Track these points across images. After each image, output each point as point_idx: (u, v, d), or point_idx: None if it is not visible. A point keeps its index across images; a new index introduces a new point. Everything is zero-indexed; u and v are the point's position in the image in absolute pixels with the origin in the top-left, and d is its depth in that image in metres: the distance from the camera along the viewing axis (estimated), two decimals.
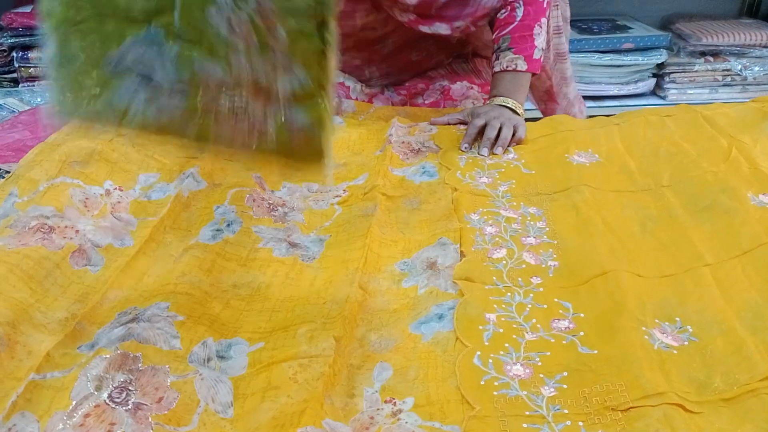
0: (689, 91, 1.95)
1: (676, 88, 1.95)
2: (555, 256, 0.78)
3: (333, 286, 0.74)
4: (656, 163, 0.95)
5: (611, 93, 1.91)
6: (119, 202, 0.86)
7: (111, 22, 0.54)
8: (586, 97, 1.58)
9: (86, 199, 0.82)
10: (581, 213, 0.84)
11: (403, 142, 1.03)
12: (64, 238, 0.74)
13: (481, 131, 1.02)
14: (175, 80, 0.52)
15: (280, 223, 0.85)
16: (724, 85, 1.98)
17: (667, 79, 1.97)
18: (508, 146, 1.01)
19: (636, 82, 1.93)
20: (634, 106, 1.83)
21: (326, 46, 0.52)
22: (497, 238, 0.81)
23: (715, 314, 0.66)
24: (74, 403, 0.55)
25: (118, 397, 0.56)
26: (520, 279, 0.74)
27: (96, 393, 0.57)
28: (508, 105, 1.06)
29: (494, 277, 0.74)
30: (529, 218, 0.84)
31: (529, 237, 0.81)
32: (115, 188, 0.87)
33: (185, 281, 0.72)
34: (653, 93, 2.00)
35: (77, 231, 0.76)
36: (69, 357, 0.60)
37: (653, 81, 1.98)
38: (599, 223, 0.82)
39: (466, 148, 1.00)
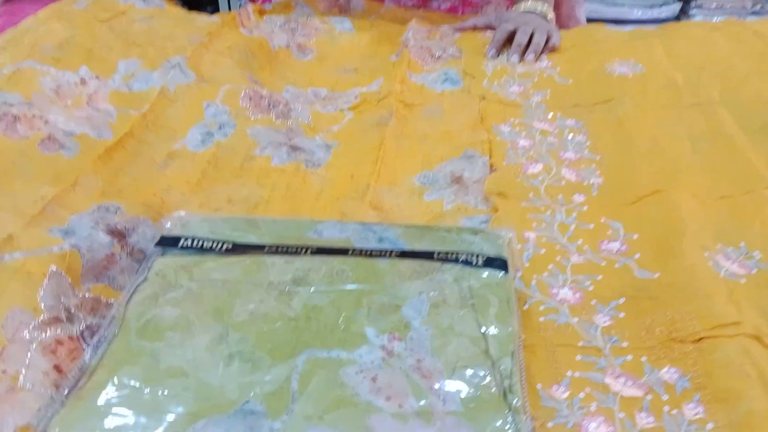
0: (715, 19, 1.82)
1: (702, 14, 1.83)
2: (598, 172, 0.68)
3: (341, 203, 0.65)
4: (704, 78, 0.85)
5: (634, 17, 1.78)
6: (96, 92, 0.74)
7: None
8: (606, 20, 1.46)
9: (58, 87, 0.71)
10: (625, 128, 0.74)
11: (421, 47, 0.91)
12: (32, 129, 0.63)
13: (510, 37, 0.91)
14: None
15: (282, 120, 0.74)
16: (753, 13, 1.86)
17: (693, 4, 1.84)
18: (542, 53, 0.90)
19: (660, 6, 1.80)
20: None
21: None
22: (532, 152, 0.71)
23: None
24: (45, 315, 0.46)
25: (89, 339, 0.47)
26: (560, 196, 0.65)
27: (67, 323, 0.48)
28: (537, 11, 0.95)
29: (531, 194, 0.65)
30: (566, 131, 0.75)
31: (567, 151, 0.72)
32: (92, 77, 0.76)
33: (171, 200, 0.62)
34: (677, 19, 1.87)
35: (47, 121, 0.65)
36: (37, 239, 0.51)
37: (678, 6, 1.85)
38: (645, 139, 0.73)
39: (493, 54, 0.90)
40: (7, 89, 0.67)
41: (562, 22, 1.21)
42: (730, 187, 0.66)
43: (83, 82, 0.73)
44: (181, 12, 0.94)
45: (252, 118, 0.74)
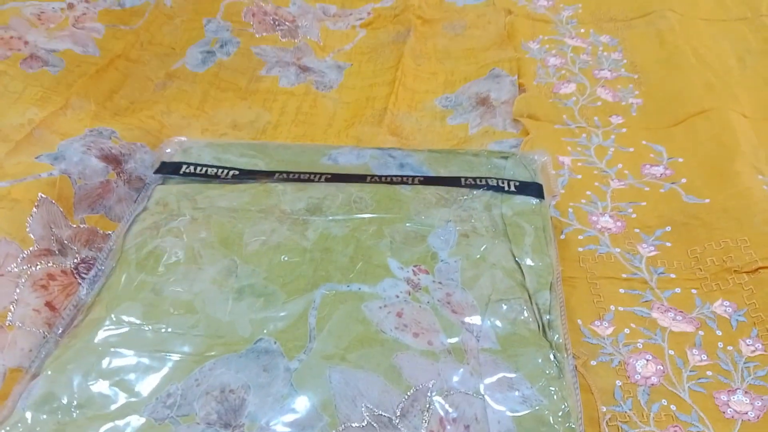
0: None
1: None
2: (637, 92, 0.62)
3: (356, 128, 0.60)
4: None
5: None
6: (84, 14, 0.68)
7: None
8: None
9: (41, 12, 0.65)
10: (667, 43, 0.68)
11: None
12: (10, 49, 0.58)
13: None
14: None
15: (289, 39, 0.68)
16: None
17: None
18: None
19: None
20: None
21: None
22: (564, 71, 0.65)
23: None
24: (35, 246, 0.42)
25: (85, 273, 0.42)
26: (596, 118, 0.59)
27: (59, 256, 0.43)
28: None
29: (564, 116, 0.60)
30: (601, 48, 0.68)
31: (603, 70, 0.65)
32: (80, 1, 0.69)
33: (171, 122, 0.57)
34: None
35: (26, 42, 0.59)
36: (23, 166, 0.46)
37: None
38: (689, 54, 0.66)
39: None
40: None
41: None
42: None
43: (70, 6, 0.67)
44: None
45: (256, 36, 0.68)
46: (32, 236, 0.43)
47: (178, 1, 0.69)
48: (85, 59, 0.60)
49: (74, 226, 0.45)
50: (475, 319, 0.39)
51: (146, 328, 0.38)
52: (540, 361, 0.37)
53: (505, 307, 0.40)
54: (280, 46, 0.67)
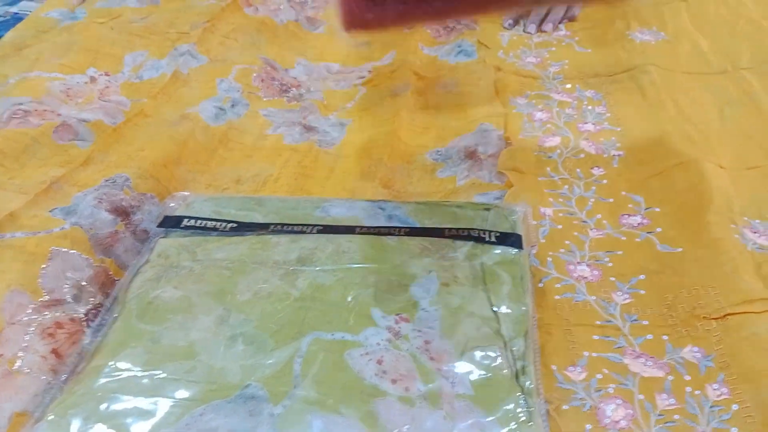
0: None
1: None
2: (619, 144, 0.65)
3: (352, 181, 0.63)
4: (732, 43, 0.81)
5: None
6: (108, 87, 0.74)
7: None
8: None
9: (68, 89, 0.70)
10: (648, 96, 0.71)
11: None
12: (44, 120, 0.63)
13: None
14: None
15: (295, 103, 0.72)
16: None
17: None
18: (560, 23, 0.86)
19: None
20: None
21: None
22: (549, 125, 0.68)
23: None
24: (46, 297, 0.45)
25: (91, 321, 0.46)
26: (578, 170, 0.62)
27: (72, 302, 0.47)
28: None
29: (548, 168, 0.63)
30: (585, 102, 0.72)
31: (587, 123, 0.68)
32: (101, 74, 0.75)
33: (179, 175, 0.61)
34: None
35: (59, 114, 0.64)
36: (38, 219, 0.50)
37: None
38: (670, 107, 0.69)
39: (509, 25, 0.86)
40: (15, 95, 0.66)
41: None
42: (757, 157, 0.63)
43: (93, 80, 0.73)
44: (177, 3, 0.92)
45: (264, 100, 0.72)
46: (43, 288, 0.46)
47: (194, 69, 0.74)
48: (114, 129, 0.65)
49: (96, 264, 0.49)
50: (451, 366, 0.41)
51: (144, 375, 0.41)
52: (511, 406, 0.39)
53: (480, 354, 0.42)
54: (287, 108, 0.72)
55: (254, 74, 0.74)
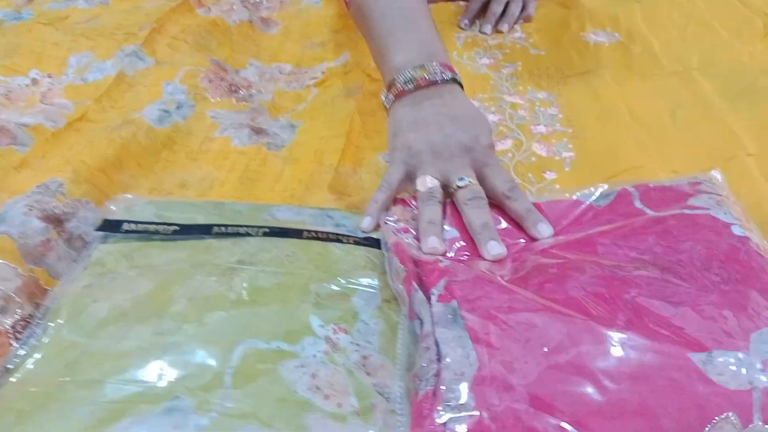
0: None
1: None
2: (570, 146, 0.65)
3: (302, 185, 0.61)
4: (684, 44, 0.81)
5: None
6: (50, 90, 0.71)
7: None
8: None
9: (9, 92, 0.68)
10: (601, 98, 0.71)
11: None
12: None
13: (485, 7, 0.87)
14: None
15: (244, 104, 0.71)
16: None
17: None
18: (515, 23, 0.86)
19: None
20: None
21: None
22: (501, 127, 0.68)
23: None
24: None
25: (19, 334, 0.44)
26: (530, 175, 0.62)
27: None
28: None
29: None
30: (538, 104, 0.71)
31: (539, 125, 0.68)
32: (44, 76, 0.73)
33: (120, 179, 0.59)
34: None
35: None
36: None
37: None
38: (623, 110, 0.69)
39: (465, 25, 0.86)
40: None
41: None
42: (710, 158, 0.63)
43: (35, 82, 0.70)
44: (127, 3, 0.89)
45: (212, 101, 0.70)
46: None
47: (140, 71, 0.72)
48: (55, 133, 0.63)
49: (24, 274, 0.47)
50: (388, 383, 0.40)
51: (72, 386, 0.39)
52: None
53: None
54: (235, 110, 0.70)
55: (201, 75, 0.72)
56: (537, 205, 0.52)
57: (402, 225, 0.52)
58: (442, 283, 0.43)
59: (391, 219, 0.53)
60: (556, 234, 0.50)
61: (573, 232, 0.50)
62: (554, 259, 0.45)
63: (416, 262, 0.46)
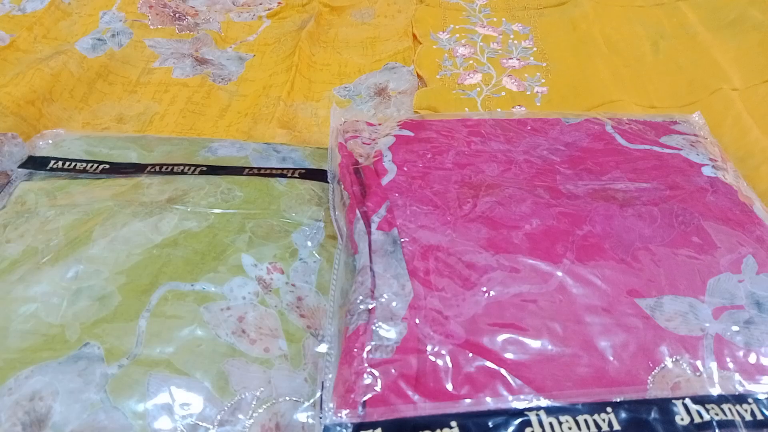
0: None
1: None
2: (543, 81, 0.61)
3: (249, 119, 0.57)
4: None
5: None
6: None
7: None
8: None
9: None
10: (579, 30, 0.66)
11: None
12: None
13: None
14: None
15: (187, 32, 0.65)
16: None
17: None
18: None
19: None
20: None
21: None
22: (471, 61, 0.63)
23: (754, 144, 0.51)
24: None
25: None
26: (498, 110, 0.57)
27: None
28: None
29: (466, 108, 0.58)
30: (512, 36, 0.66)
31: (511, 59, 0.63)
32: None
33: (51, 112, 0.54)
34: None
35: None
36: None
37: None
38: (600, 42, 0.64)
39: None
40: None
41: None
42: (693, 92, 0.59)
43: None
44: None
45: (151, 27, 0.65)
46: None
47: None
48: None
49: None
50: (323, 324, 0.37)
51: None
52: None
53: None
54: (177, 39, 0.65)
55: (140, 1, 0.67)
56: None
57: (351, 134, 0.48)
58: (383, 209, 0.39)
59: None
60: (515, 141, 0.46)
61: (537, 143, 0.46)
62: (511, 181, 0.41)
63: (360, 181, 0.42)
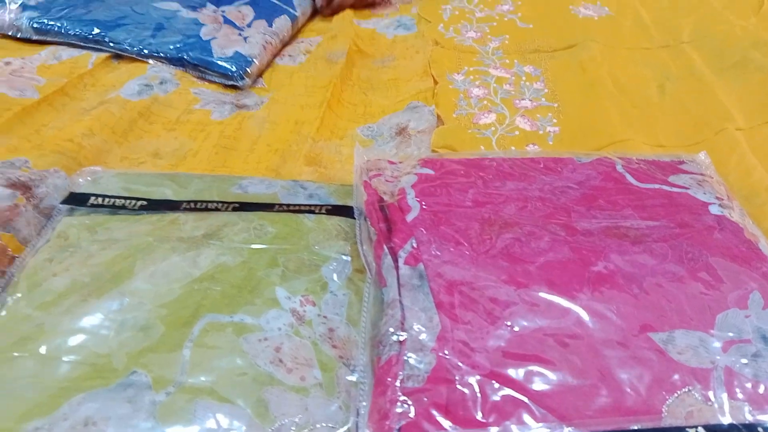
0: None
1: None
2: (555, 121, 0.63)
3: (278, 157, 0.60)
4: (675, 16, 0.79)
5: None
6: (22, 67, 0.69)
7: None
8: None
9: None
10: (588, 72, 0.69)
11: None
12: None
13: None
14: None
15: (231, 90, 0.69)
16: None
17: None
18: None
19: None
20: None
21: None
22: (485, 101, 0.66)
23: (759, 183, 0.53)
24: None
25: None
26: (513, 148, 0.60)
27: None
28: None
29: (482, 146, 0.60)
30: (524, 78, 0.69)
31: (524, 99, 0.66)
32: (17, 59, 0.71)
33: (92, 144, 0.57)
34: None
35: None
36: None
37: None
38: (609, 83, 0.68)
39: None
40: None
41: None
42: (698, 132, 0.61)
43: (7, 63, 0.68)
44: None
45: (198, 82, 0.69)
46: None
47: (126, 59, 0.71)
48: (19, 102, 0.61)
49: None
50: (353, 354, 0.39)
51: (26, 356, 0.38)
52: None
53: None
54: (222, 92, 0.68)
55: None
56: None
57: (375, 172, 0.51)
58: (409, 244, 0.42)
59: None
60: (531, 179, 0.49)
61: (550, 181, 0.48)
62: (529, 219, 0.44)
63: (386, 218, 0.45)
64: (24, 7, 0.73)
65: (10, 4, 0.74)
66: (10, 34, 0.73)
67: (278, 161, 0.59)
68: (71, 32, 0.71)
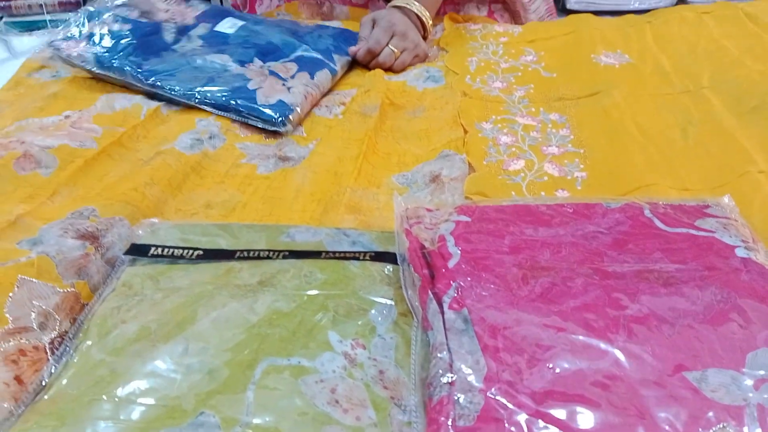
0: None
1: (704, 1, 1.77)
2: (582, 166, 0.67)
3: (320, 207, 0.64)
4: (694, 63, 0.83)
5: (632, 7, 1.73)
6: (80, 119, 0.75)
7: None
8: (602, 12, 1.40)
9: (41, 126, 0.72)
10: (612, 118, 0.73)
11: None
12: (6, 150, 0.63)
13: None
14: None
15: (272, 139, 0.74)
16: None
17: None
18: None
19: None
20: None
21: None
22: (514, 148, 0.70)
23: None
24: (11, 324, 0.45)
25: (56, 350, 0.46)
26: (543, 193, 0.63)
27: (37, 330, 0.47)
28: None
29: (513, 192, 0.64)
30: (550, 125, 0.73)
31: (551, 146, 0.70)
32: (74, 112, 0.76)
33: (152, 194, 0.62)
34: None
35: (22, 142, 0.65)
36: (3, 252, 0.51)
37: None
38: (633, 129, 0.71)
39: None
40: None
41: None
42: (722, 175, 0.64)
43: (67, 117, 0.74)
44: None
45: (242, 136, 0.74)
46: (8, 316, 0.46)
47: (174, 110, 0.76)
48: (81, 153, 0.66)
49: (62, 291, 0.49)
50: (404, 395, 0.42)
51: (102, 399, 0.41)
52: None
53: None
54: (264, 144, 0.74)
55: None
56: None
57: (414, 220, 0.54)
58: (452, 290, 0.45)
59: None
60: (563, 225, 0.52)
61: (581, 227, 0.51)
62: (563, 263, 0.47)
63: (428, 264, 0.48)
64: (93, 44, 0.82)
65: (81, 39, 0.82)
66: (77, 63, 0.80)
67: (320, 210, 0.63)
68: (129, 71, 0.78)
